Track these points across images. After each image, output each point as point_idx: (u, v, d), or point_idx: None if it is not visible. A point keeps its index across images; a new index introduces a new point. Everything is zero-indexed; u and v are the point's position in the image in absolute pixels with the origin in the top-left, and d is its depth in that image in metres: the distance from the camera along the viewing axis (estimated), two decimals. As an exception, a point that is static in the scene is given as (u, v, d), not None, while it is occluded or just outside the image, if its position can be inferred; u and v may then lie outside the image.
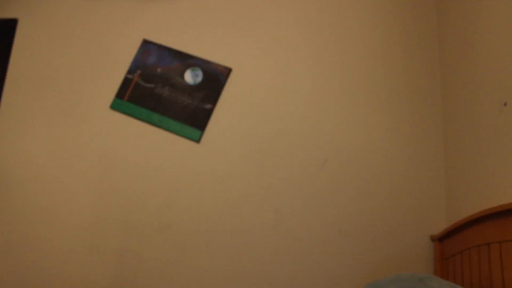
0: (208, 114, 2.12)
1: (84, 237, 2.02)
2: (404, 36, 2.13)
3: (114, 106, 2.18)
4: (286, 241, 1.93)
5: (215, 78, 2.17)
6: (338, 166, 2.00)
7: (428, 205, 1.92)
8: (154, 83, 2.18)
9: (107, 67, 2.24)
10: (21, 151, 2.17)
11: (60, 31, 2.33)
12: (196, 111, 2.13)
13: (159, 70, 2.20)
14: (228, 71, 2.17)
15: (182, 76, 2.19)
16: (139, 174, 2.07)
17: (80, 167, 2.11)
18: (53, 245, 2.02)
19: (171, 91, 2.16)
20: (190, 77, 2.18)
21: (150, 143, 2.11)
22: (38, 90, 2.25)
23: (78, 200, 2.07)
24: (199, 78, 2.18)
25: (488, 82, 1.60)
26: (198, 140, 2.09)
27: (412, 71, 2.09)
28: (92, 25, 2.32)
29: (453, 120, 1.91)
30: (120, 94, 2.19)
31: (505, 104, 1.44)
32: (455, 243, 1.67)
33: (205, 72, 2.18)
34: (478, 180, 1.63)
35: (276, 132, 2.07)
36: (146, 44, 2.25)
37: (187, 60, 2.21)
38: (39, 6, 2.37)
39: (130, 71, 2.22)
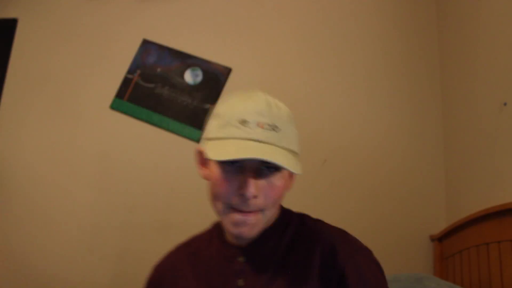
0: (208, 114, 2.12)
1: (84, 237, 2.02)
2: (404, 36, 2.13)
3: (114, 106, 2.18)
4: (286, 241, 1.93)
5: (215, 78, 2.17)
6: (337, 166, 2.00)
7: (428, 205, 1.92)
8: (154, 83, 2.18)
9: (107, 67, 2.24)
10: (20, 151, 2.17)
11: (60, 31, 2.33)
12: (196, 111, 2.13)
13: (159, 70, 2.20)
14: (228, 71, 2.17)
15: (182, 76, 2.19)
16: (139, 174, 2.08)
17: (80, 167, 2.11)
18: (52, 245, 2.02)
19: (171, 91, 2.16)
20: (190, 77, 2.19)
21: (150, 143, 2.12)
22: (38, 90, 2.25)
23: (78, 200, 2.07)
24: (199, 78, 2.18)
25: (488, 82, 1.60)
26: (198, 140, 2.09)
27: (412, 70, 2.09)
28: (92, 25, 2.32)
29: (453, 119, 1.91)
30: (120, 94, 2.19)
31: (505, 104, 1.44)
32: (455, 243, 1.67)
33: (205, 72, 2.18)
34: (478, 180, 1.63)
35: (276, 132, 2.07)
36: (146, 44, 2.26)
37: (187, 60, 2.21)
38: (39, 6, 2.37)
39: (130, 71, 2.22)
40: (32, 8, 2.38)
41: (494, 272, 1.31)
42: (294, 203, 2.13)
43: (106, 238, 2.01)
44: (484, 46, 1.65)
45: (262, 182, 0.76)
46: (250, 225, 0.77)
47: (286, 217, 0.88)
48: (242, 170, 0.76)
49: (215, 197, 0.80)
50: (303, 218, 0.90)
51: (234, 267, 0.82)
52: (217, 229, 0.90)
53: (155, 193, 2.05)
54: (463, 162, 1.79)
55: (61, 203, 2.08)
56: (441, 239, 1.82)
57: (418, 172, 1.97)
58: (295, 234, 0.84)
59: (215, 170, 0.79)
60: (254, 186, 0.74)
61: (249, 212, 0.76)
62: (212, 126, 0.81)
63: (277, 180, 0.78)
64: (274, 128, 0.76)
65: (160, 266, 0.97)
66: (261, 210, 0.77)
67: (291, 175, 0.85)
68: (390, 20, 2.16)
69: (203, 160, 0.86)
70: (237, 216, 0.76)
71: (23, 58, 2.30)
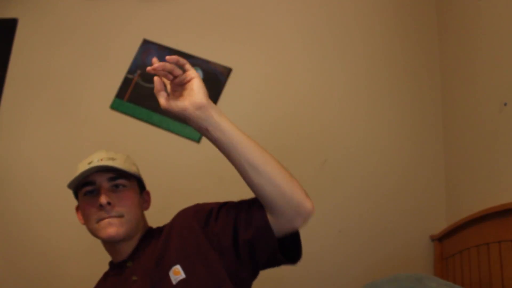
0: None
1: (84, 237, 2.02)
2: (404, 35, 2.13)
3: (114, 106, 2.18)
4: (286, 241, 1.93)
5: (215, 78, 2.17)
6: (338, 166, 2.00)
7: (428, 205, 1.92)
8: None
9: (107, 67, 2.24)
10: (20, 151, 2.17)
11: (60, 31, 2.33)
12: (196, 111, 2.13)
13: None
14: (228, 71, 2.17)
15: (182, 76, 2.19)
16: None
17: (80, 167, 2.11)
18: (52, 245, 2.02)
19: (171, 91, 2.16)
20: (190, 77, 2.18)
21: (150, 143, 2.11)
22: (38, 90, 2.25)
23: (78, 200, 2.07)
24: (199, 78, 2.18)
25: (488, 82, 1.60)
26: (198, 140, 2.09)
27: (412, 70, 2.09)
28: (92, 25, 2.32)
29: (453, 120, 1.91)
30: (120, 94, 2.19)
31: (505, 104, 1.44)
32: (455, 243, 1.67)
33: (205, 72, 2.18)
34: (478, 180, 1.63)
35: (276, 132, 2.06)
36: (146, 44, 2.26)
37: (187, 60, 2.20)
38: (39, 6, 2.37)
39: (130, 71, 2.22)
40: (32, 8, 2.38)
41: (495, 272, 1.31)
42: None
43: (106, 238, 2.01)
44: (484, 46, 1.65)
45: (114, 195, 1.05)
46: (115, 225, 1.02)
47: (150, 229, 1.16)
48: (97, 193, 1.04)
49: (87, 221, 1.06)
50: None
51: (127, 272, 1.04)
52: (106, 271, 1.18)
53: (155, 193, 2.03)
54: (463, 162, 1.78)
55: (61, 202, 2.08)
56: (441, 239, 1.82)
57: (418, 172, 1.97)
58: (156, 233, 1.10)
59: (81, 204, 1.08)
60: (105, 196, 1.02)
61: (112, 217, 1.02)
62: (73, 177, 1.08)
63: (126, 192, 1.07)
64: (111, 159, 1.08)
65: None
66: (121, 215, 1.04)
67: (143, 195, 1.19)
68: (391, 21, 2.16)
69: (79, 212, 1.13)
70: (103, 222, 1.02)
71: (23, 58, 2.30)
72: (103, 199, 1.01)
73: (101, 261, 1.98)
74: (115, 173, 1.07)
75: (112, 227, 1.02)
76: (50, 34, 2.33)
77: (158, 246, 1.03)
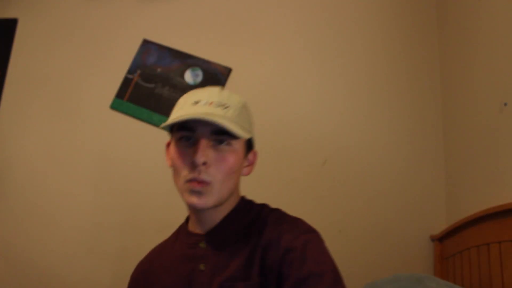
0: (208, 114, 2.12)
1: (84, 237, 2.02)
2: (404, 36, 2.13)
3: (114, 106, 2.18)
4: (286, 241, 1.93)
5: (215, 78, 2.17)
6: (338, 166, 2.00)
7: (428, 205, 1.92)
8: (154, 83, 2.18)
9: (107, 67, 2.24)
10: (20, 151, 2.17)
11: (60, 31, 2.33)
12: (196, 111, 2.13)
13: (159, 70, 2.20)
14: (228, 71, 2.17)
15: (182, 76, 2.19)
16: (139, 174, 2.07)
17: (79, 167, 2.11)
18: (52, 245, 2.02)
19: (171, 91, 2.16)
20: (190, 77, 2.19)
21: (150, 143, 2.11)
22: (38, 90, 2.25)
23: (78, 201, 2.07)
24: (199, 78, 2.18)
25: (488, 82, 1.60)
26: (198, 140, 2.09)
27: (412, 70, 2.09)
28: (92, 25, 2.32)
29: (453, 120, 1.91)
30: (120, 94, 2.19)
31: (505, 104, 1.44)
32: (455, 243, 1.67)
33: (205, 72, 2.18)
34: (478, 180, 1.63)
35: (276, 132, 2.07)
36: (146, 44, 2.26)
37: (187, 60, 2.21)
38: (39, 6, 2.37)
39: (130, 71, 2.22)
40: (32, 8, 2.38)
41: (495, 272, 1.31)
42: (294, 203, 2.12)
43: (106, 237, 2.01)
44: (484, 46, 1.65)
45: (213, 153, 0.85)
46: (204, 194, 0.84)
47: (245, 205, 0.95)
48: (194, 143, 0.85)
49: (176, 174, 0.89)
50: (262, 207, 0.96)
51: (196, 253, 0.89)
52: (182, 225, 1.01)
53: (155, 193, 2.04)
54: (463, 162, 1.78)
55: (61, 203, 2.08)
56: (441, 239, 1.82)
57: (418, 172, 1.97)
58: (252, 221, 0.91)
59: (173, 150, 0.89)
60: (203, 153, 0.82)
61: (202, 182, 0.83)
62: (172, 113, 0.91)
63: (228, 153, 0.86)
64: (222, 105, 0.86)
65: (138, 267, 1.05)
66: (213, 181, 0.84)
67: (248, 156, 0.94)
68: (390, 21, 2.16)
69: (168, 150, 0.95)
70: (192, 185, 0.83)
71: (23, 58, 2.30)
72: (199, 158, 0.82)
73: (101, 261, 1.98)
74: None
75: (200, 197, 0.84)
76: (50, 34, 2.33)
77: (241, 256, 0.85)
